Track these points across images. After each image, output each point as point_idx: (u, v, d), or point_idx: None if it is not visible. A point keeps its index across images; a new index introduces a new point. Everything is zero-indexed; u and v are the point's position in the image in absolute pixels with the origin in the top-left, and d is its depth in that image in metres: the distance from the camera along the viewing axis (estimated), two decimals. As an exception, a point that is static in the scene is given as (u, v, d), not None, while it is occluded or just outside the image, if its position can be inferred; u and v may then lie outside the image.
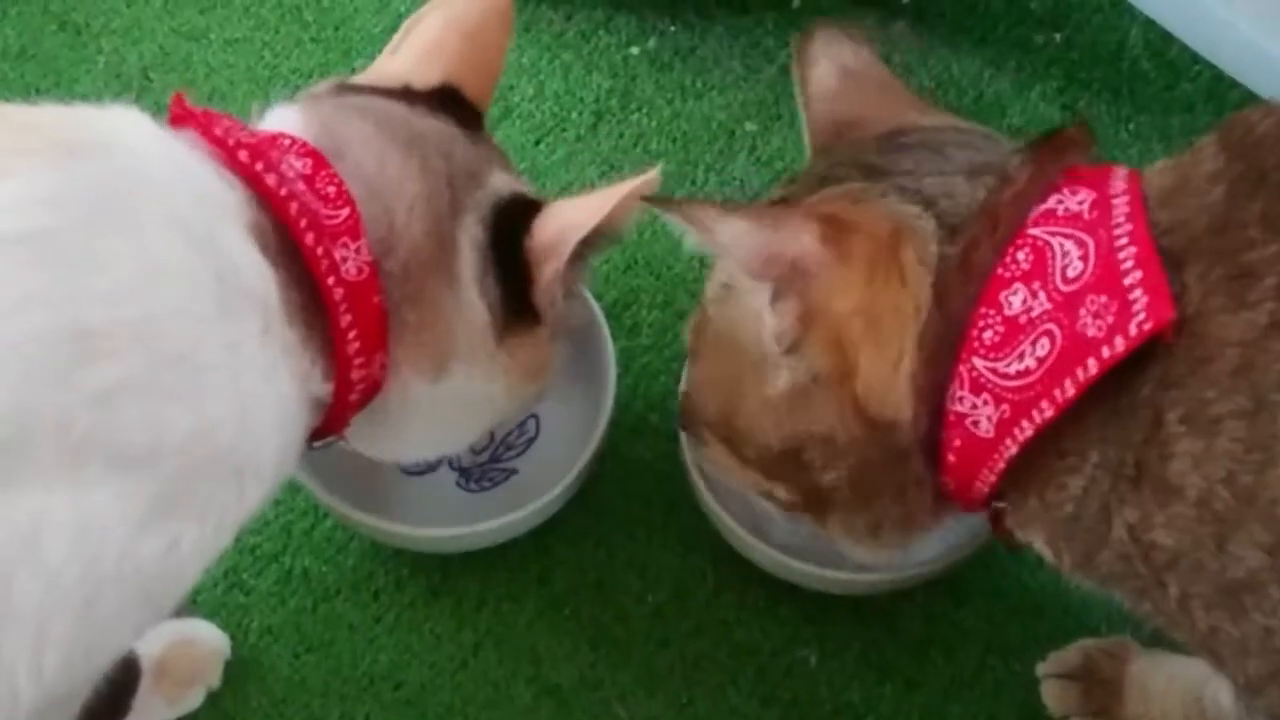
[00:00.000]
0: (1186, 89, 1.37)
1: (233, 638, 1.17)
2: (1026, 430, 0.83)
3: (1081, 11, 1.41)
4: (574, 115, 1.39)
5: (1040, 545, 0.89)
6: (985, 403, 0.84)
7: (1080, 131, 0.91)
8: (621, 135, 1.38)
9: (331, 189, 0.91)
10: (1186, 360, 0.78)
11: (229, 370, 0.83)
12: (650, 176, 0.95)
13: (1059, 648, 1.14)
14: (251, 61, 1.44)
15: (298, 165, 0.91)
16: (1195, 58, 1.32)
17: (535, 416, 1.22)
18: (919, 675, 1.17)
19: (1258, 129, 0.83)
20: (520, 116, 1.38)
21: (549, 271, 0.96)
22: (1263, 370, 0.75)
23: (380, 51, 1.07)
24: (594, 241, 0.98)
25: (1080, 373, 0.80)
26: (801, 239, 0.87)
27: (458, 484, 1.22)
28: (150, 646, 1.12)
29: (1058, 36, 1.41)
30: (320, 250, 0.88)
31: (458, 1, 1.05)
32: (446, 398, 0.99)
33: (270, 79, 1.42)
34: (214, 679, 1.16)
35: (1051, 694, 1.12)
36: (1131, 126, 1.36)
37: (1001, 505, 0.90)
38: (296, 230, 0.88)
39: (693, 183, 1.35)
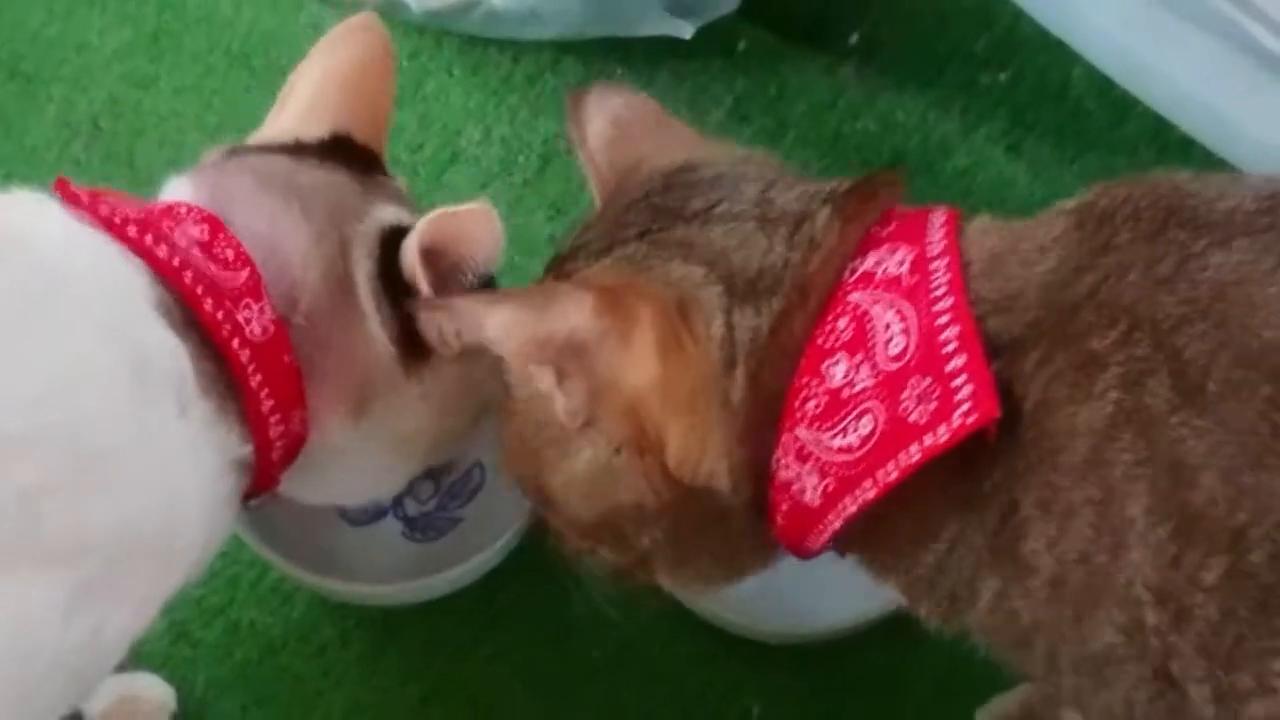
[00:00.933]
0: (1130, 129, 1.37)
1: (180, 690, 1.17)
2: (850, 507, 0.82)
3: (1026, 51, 1.41)
4: (521, 159, 1.39)
5: (896, 591, 0.88)
6: (810, 473, 0.83)
7: (888, 175, 0.88)
8: (569, 179, 1.38)
9: (230, 252, 0.91)
10: (1036, 450, 0.77)
11: (149, 458, 0.84)
12: (477, 206, 0.94)
13: (1006, 690, 1.13)
14: (200, 109, 1.44)
15: (194, 232, 0.91)
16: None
17: (480, 465, 1.22)
18: (866, 721, 1.17)
19: (1107, 199, 0.82)
20: (467, 161, 1.38)
21: (423, 289, 0.95)
22: (1111, 462, 0.75)
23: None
24: (453, 264, 0.96)
25: (903, 457, 0.79)
26: (573, 316, 0.83)
27: (403, 534, 1.21)
28: (95, 703, 1.11)
29: (1002, 77, 1.41)
30: (220, 315, 0.88)
31: (334, 50, 1.05)
32: (372, 437, 0.98)
33: (219, 126, 1.42)
34: (160, 734, 1.15)
35: None
36: (1075, 166, 1.37)
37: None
38: (193, 298, 0.88)
39: (640, 227, 1.35)
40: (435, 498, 1.22)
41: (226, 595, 1.21)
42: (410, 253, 0.94)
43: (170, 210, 0.92)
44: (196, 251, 0.89)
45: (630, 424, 0.85)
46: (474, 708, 1.18)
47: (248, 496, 0.95)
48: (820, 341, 0.83)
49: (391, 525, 1.21)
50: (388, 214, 0.99)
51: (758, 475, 0.85)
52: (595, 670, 1.19)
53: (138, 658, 1.16)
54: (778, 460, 0.84)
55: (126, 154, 1.42)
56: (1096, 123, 1.39)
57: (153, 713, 1.15)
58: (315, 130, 1.01)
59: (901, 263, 0.83)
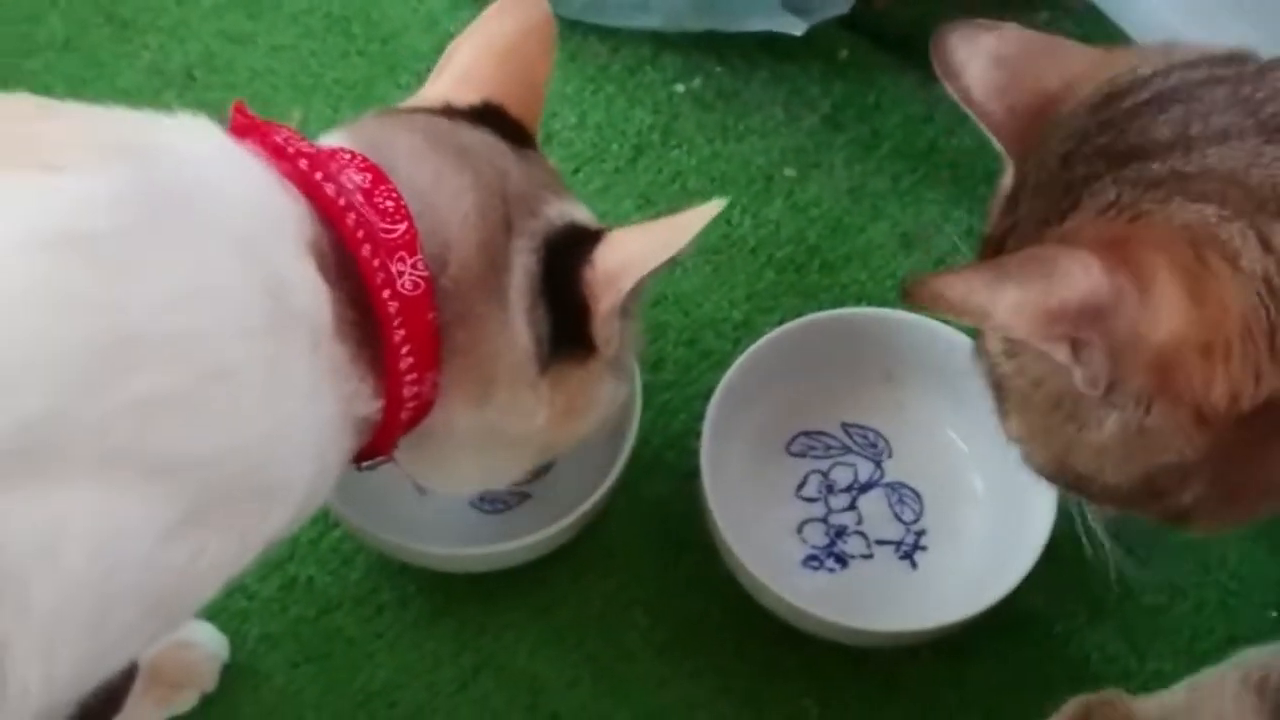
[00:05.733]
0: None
1: (231, 642, 1.16)
2: None
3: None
4: (614, 147, 1.39)
5: None
6: None
7: None
8: (660, 171, 1.38)
9: (390, 203, 0.90)
10: None
11: (270, 389, 0.82)
12: (715, 205, 0.94)
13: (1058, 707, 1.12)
14: (295, 69, 1.44)
15: (357, 179, 0.90)
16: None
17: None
18: (919, 735, 1.16)
19: None
20: (561, 144, 1.38)
21: (608, 304, 0.94)
22: None
23: (426, 69, 1.07)
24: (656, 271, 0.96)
25: None
26: (1081, 280, 0.78)
27: (471, 503, 1.21)
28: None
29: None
30: (376, 263, 0.87)
31: (494, 22, 1.04)
32: (488, 427, 0.97)
33: (313, 88, 1.42)
34: (209, 683, 1.15)
35: None
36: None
37: None
38: (353, 242, 0.87)
39: (728, 223, 1.35)
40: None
41: (286, 550, 1.20)
42: (638, 265, 0.93)
43: (335, 154, 0.92)
44: (359, 197, 0.89)
45: (1159, 377, 0.81)
46: (524, 683, 1.17)
47: (363, 457, 0.94)
48: None
49: (460, 493, 1.21)
50: (555, 211, 0.97)
51: None
52: (647, 658, 1.18)
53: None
54: None
55: (218, 107, 1.40)
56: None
57: (204, 661, 1.15)
58: (467, 98, 1.00)
59: None
